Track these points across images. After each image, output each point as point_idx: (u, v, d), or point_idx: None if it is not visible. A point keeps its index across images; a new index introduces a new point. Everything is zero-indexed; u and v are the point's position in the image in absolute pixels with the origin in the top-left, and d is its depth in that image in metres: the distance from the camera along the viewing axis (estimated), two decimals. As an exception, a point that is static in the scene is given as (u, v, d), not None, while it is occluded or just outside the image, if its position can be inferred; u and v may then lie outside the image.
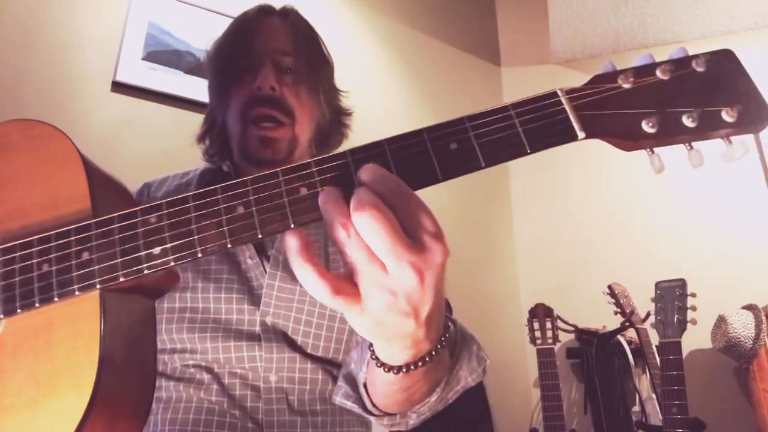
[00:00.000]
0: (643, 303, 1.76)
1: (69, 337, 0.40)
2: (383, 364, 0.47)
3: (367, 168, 0.39)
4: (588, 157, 2.73)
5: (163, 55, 2.10)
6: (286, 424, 0.69)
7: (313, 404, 0.73)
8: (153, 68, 2.05)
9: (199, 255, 0.40)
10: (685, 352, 1.49)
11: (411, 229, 0.38)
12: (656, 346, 1.62)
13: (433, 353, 0.46)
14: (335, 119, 0.94)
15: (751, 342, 1.92)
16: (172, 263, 0.40)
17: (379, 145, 0.42)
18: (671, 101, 0.42)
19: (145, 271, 0.40)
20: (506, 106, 0.43)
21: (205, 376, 0.72)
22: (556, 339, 1.84)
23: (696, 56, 0.44)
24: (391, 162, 0.41)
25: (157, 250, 0.40)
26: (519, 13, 3.18)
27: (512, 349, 2.49)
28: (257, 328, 0.74)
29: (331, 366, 0.76)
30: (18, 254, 0.43)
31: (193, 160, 2.11)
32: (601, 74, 0.45)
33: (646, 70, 0.45)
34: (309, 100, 0.85)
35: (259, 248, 0.80)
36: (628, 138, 0.42)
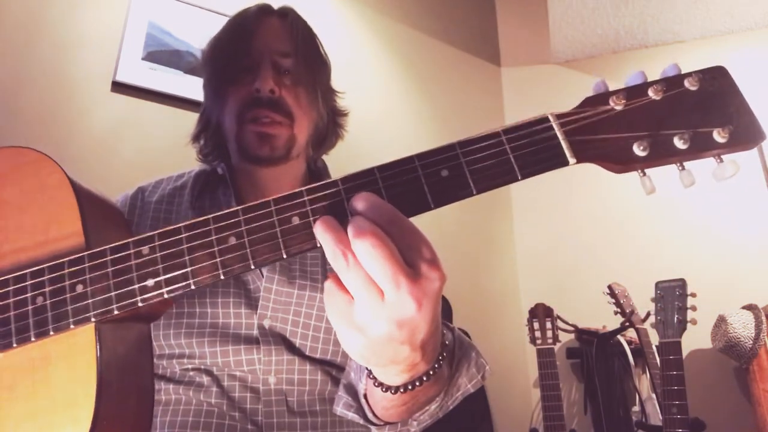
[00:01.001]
0: (643, 303, 1.76)
1: (66, 369, 0.40)
2: (381, 384, 0.48)
3: (362, 196, 0.39)
4: (588, 157, 2.73)
5: (163, 55, 2.10)
6: (285, 426, 0.69)
7: (312, 405, 0.73)
8: (153, 68, 2.05)
9: (192, 287, 0.40)
10: (685, 352, 1.49)
11: (408, 257, 0.38)
12: (656, 346, 1.62)
13: (431, 373, 0.47)
14: (331, 120, 0.94)
15: (751, 342, 1.92)
16: (166, 295, 0.40)
17: (371, 173, 0.41)
18: (663, 123, 0.42)
19: (139, 304, 0.40)
20: (497, 131, 0.43)
21: (205, 379, 0.72)
22: (556, 339, 1.84)
23: (689, 74, 0.43)
24: (383, 190, 0.40)
25: (150, 282, 0.40)
26: (519, 13, 3.18)
27: (512, 349, 2.49)
28: (255, 332, 0.74)
29: (329, 367, 0.76)
30: (12, 288, 0.43)
31: (193, 160, 2.11)
32: (593, 96, 0.44)
33: (638, 91, 0.43)
34: (307, 102, 0.85)
35: None
36: (619, 162, 0.42)
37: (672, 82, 0.43)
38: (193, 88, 2.11)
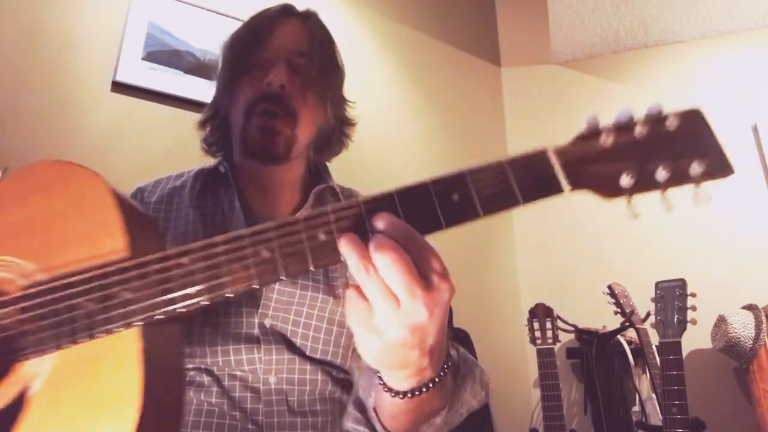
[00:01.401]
0: (643, 303, 1.76)
1: (113, 368, 0.44)
2: (390, 389, 0.51)
3: (382, 216, 0.44)
4: (588, 157, 2.73)
5: (163, 55, 2.10)
6: (286, 425, 0.69)
7: (312, 405, 0.73)
8: (153, 68, 2.05)
9: (228, 294, 0.45)
10: (685, 352, 1.49)
11: (423, 270, 0.43)
12: (656, 346, 1.62)
13: (437, 380, 0.51)
14: (338, 128, 0.94)
15: (751, 342, 1.92)
16: (204, 302, 0.45)
17: (389, 195, 0.46)
18: (647, 157, 0.48)
19: (179, 310, 0.45)
20: (502, 162, 0.47)
21: (205, 378, 0.72)
22: (556, 339, 1.84)
23: (668, 115, 0.49)
24: (400, 211, 0.46)
25: (191, 290, 0.45)
26: (519, 13, 3.18)
27: (512, 349, 2.49)
28: (256, 330, 0.74)
29: (330, 367, 0.76)
30: (65, 293, 0.46)
31: (193, 159, 2.10)
32: (586, 132, 0.50)
33: (625, 128, 0.49)
34: (314, 104, 0.86)
35: None
36: (608, 190, 0.48)
37: (655, 121, 0.49)
38: (193, 88, 2.11)
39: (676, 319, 1.49)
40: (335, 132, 0.94)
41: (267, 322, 0.75)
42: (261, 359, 0.72)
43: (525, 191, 0.46)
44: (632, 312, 1.91)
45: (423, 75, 2.80)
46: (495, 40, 3.19)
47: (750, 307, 2.02)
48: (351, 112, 0.97)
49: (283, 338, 0.75)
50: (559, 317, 1.98)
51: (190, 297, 0.45)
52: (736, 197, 2.40)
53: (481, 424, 2.14)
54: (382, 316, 0.43)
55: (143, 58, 2.04)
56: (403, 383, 0.50)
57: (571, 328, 2.16)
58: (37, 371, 0.45)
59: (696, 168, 0.47)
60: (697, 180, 0.48)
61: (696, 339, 2.12)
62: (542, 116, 2.92)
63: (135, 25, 2.06)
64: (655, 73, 2.74)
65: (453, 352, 0.68)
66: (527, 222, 2.75)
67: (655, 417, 1.87)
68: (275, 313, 0.76)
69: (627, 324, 1.90)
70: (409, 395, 0.50)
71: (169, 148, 2.02)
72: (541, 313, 1.88)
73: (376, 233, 0.43)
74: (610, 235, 2.51)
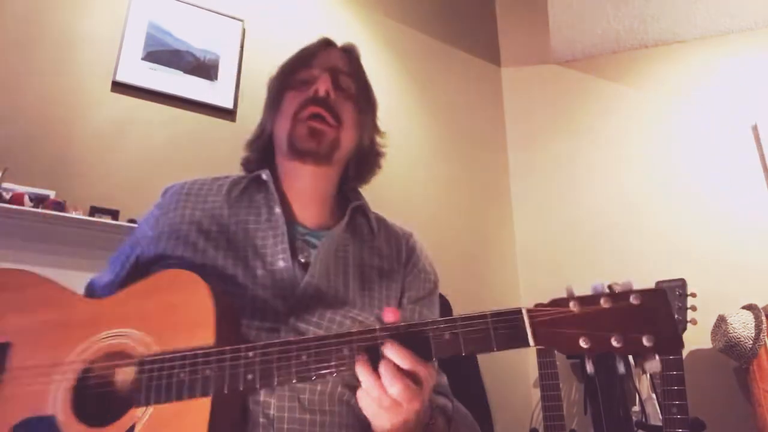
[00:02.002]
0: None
1: (193, 424, 0.61)
2: None
3: (389, 344, 0.59)
4: (589, 157, 2.73)
5: (163, 55, 2.10)
6: (296, 421, 0.72)
7: (322, 405, 0.75)
8: (153, 68, 2.05)
9: (275, 384, 0.61)
10: (685, 352, 1.49)
11: (418, 379, 0.59)
12: (656, 346, 1.62)
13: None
14: (372, 152, 0.99)
15: (751, 342, 1.92)
16: (258, 386, 0.61)
17: (400, 333, 0.61)
18: (604, 327, 0.57)
19: (240, 388, 0.61)
20: (485, 314, 0.60)
21: None
22: (556, 339, 1.84)
23: (634, 292, 0.57)
24: (405, 339, 0.60)
25: (249, 376, 0.61)
26: (519, 13, 3.18)
27: (512, 350, 2.49)
28: (281, 326, 0.77)
29: None
30: (165, 365, 0.63)
31: (193, 159, 2.11)
32: (559, 299, 0.60)
33: (592, 300, 0.58)
34: (355, 117, 0.92)
35: (291, 251, 0.82)
36: (568, 349, 0.57)
37: (620, 297, 0.57)
38: (193, 88, 2.11)
39: (676, 319, 1.49)
40: (371, 155, 0.99)
41: (291, 321, 0.76)
42: None
43: (499, 341, 0.59)
44: (632, 312, 1.90)
45: (423, 75, 2.80)
46: (495, 40, 3.19)
47: (750, 307, 2.02)
48: (383, 142, 1.03)
49: (302, 335, 0.75)
50: (559, 317, 1.98)
51: (249, 382, 0.61)
52: (736, 197, 2.41)
53: (480, 424, 2.14)
54: (387, 410, 0.59)
55: (143, 58, 2.04)
56: None
57: (571, 328, 2.16)
58: (142, 415, 0.63)
59: (646, 342, 0.55)
60: (648, 351, 0.55)
61: (696, 339, 2.12)
62: (542, 116, 2.92)
63: (135, 25, 2.06)
64: (655, 73, 2.74)
65: (448, 404, 0.80)
66: (527, 222, 2.75)
67: (655, 417, 1.87)
68: (301, 314, 0.77)
69: (627, 324, 1.90)
70: None
71: (169, 147, 2.02)
72: (541, 313, 1.88)
73: (385, 358, 0.59)
74: (610, 235, 2.51)
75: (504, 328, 0.59)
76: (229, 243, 0.81)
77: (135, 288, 0.70)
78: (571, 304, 0.59)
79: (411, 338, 0.60)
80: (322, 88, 0.87)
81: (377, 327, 0.62)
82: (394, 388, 0.58)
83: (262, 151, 0.96)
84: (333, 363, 0.60)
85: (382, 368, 0.58)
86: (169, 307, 0.67)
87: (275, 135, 0.92)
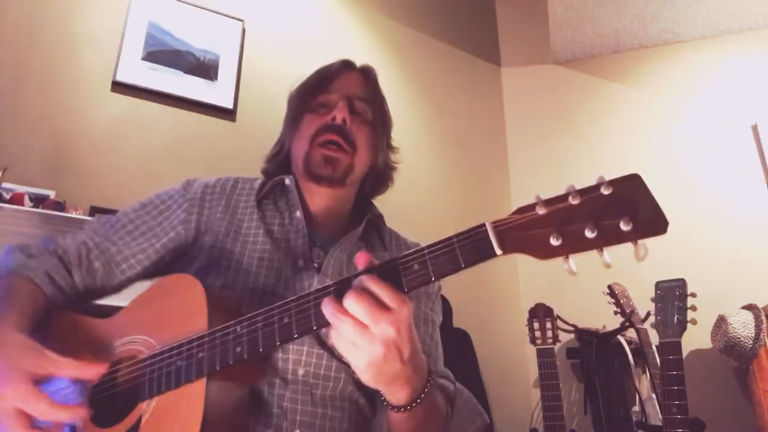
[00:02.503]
0: (643, 303, 1.76)
1: (190, 408, 0.64)
2: (393, 407, 0.65)
3: (360, 277, 0.58)
4: (589, 157, 2.73)
5: (163, 55, 2.10)
6: (307, 414, 0.76)
7: (333, 400, 0.79)
8: (153, 68, 2.05)
9: (261, 351, 0.63)
10: (685, 352, 1.48)
11: (383, 302, 0.56)
12: (656, 346, 1.62)
13: (426, 389, 0.65)
14: (386, 169, 1.05)
15: (751, 342, 1.92)
16: (245, 357, 0.63)
17: (371, 268, 0.60)
18: (572, 220, 0.53)
19: (230, 362, 0.63)
20: (451, 237, 0.58)
21: None
22: (556, 339, 1.84)
23: (605, 182, 0.53)
24: (376, 274, 0.59)
25: (238, 349, 0.63)
26: (519, 13, 3.18)
27: (512, 349, 2.49)
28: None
29: (352, 369, 0.80)
30: (165, 357, 0.68)
31: (193, 159, 2.11)
32: (524, 206, 0.57)
33: (559, 199, 0.55)
34: (370, 142, 0.96)
35: (306, 256, 0.88)
36: (539, 250, 0.54)
37: (589, 189, 0.53)
38: (193, 88, 2.11)
39: (676, 319, 1.48)
40: (385, 173, 1.05)
41: None
42: (293, 350, 0.78)
43: (466, 257, 0.56)
44: (632, 312, 1.91)
45: (423, 75, 2.80)
46: (495, 40, 3.19)
47: (750, 307, 2.02)
48: (396, 158, 1.08)
49: (317, 335, 0.80)
50: (559, 317, 1.98)
51: (238, 354, 0.64)
52: (736, 197, 2.41)
53: (481, 424, 2.13)
54: (359, 341, 0.56)
55: (143, 58, 2.04)
56: (400, 395, 0.63)
57: (571, 328, 2.16)
58: (148, 407, 0.67)
59: (623, 226, 0.50)
60: (629, 237, 0.51)
61: (696, 339, 2.12)
62: (542, 116, 2.92)
63: (135, 25, 2.06)
64: (655, 73, 2.74)
65: (450, 385, 0.81)
66: (527, 222, 2.75)
67: (655, 417, 1.87)
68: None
69: (627, 324, 1.90)
70: (408, 408, 0.64)
71: (169, 147, 2.02)
72: (541, 313, 1.87)
73: (351, 288, 0.58)
74: (610, 235, 2.51)
75: (469, 243, 0.57)
76: (255, 242, 0.87)
77: (141, 297, 0.76)
78: (537, 207, 0.55)
79: (381, 275, 0.59)
80: (339, 116, 0.92)
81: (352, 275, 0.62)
82: (357, 307, 0.55)
83: (281, 165, 1.02)
84: (312, 318, 0.60)
85: (346, 294, 0.56)
86: (169, 308, 0.72)
87: (293, 153, 0.98)
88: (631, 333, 1.99)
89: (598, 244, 0.53)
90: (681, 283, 1.53)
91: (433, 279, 0.57)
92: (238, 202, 0.94)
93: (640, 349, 1.90)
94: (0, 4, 1.87)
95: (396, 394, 0.63)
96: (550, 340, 1.83)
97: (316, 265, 0.88)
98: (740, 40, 2.65)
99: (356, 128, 0.93)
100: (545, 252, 0.54)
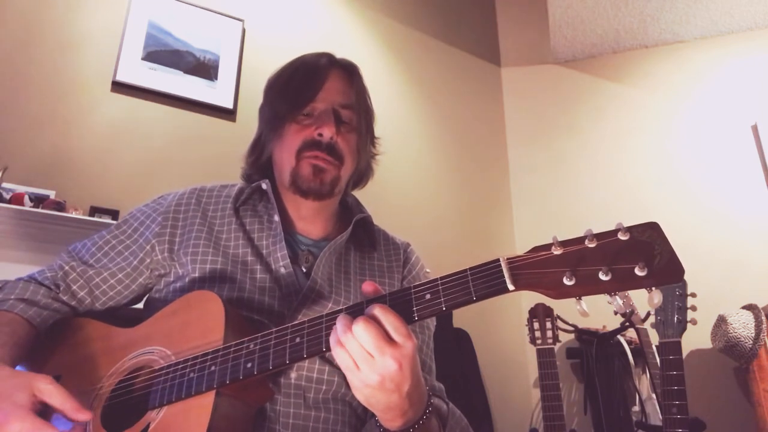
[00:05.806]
0: (643, 303, 1.75)
1: (196, 419, 0.66)
2: (384, 429, 0.65)
3: (375, 305, 0.58)
4: (589, 157, 2.73)
5: (163, 55, 2.10)
6: (300, 417, 0.77)
7: (326, 403, 0.79)
8: (153, 68, 2.05)
9: (270, 368, 0.64)
10: (685, 352, 1.48)
11: (391, 335, 0.57)
12: (656, 346, 1.62)
13: (420, 422, 0.64)
14: (368, 166, 1.04)
15: (751, 342, 1.92)
16: (256, 373, 0.64)
17: (384, 296, 0.62)
18: (588, 262, 0.53)
19: (240, 377, 0.65)
20: (465, 270, 0.59)
21: None
22: (556, 339, 1.84)
23: (623, 228, 0.53)
24: (389, 303, 0.61)
25: (249, 365, 0.65)
26: (519, 13, 3.18)
27: (512, 349, 2.49)
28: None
29: None
30: (179, 368, 0.70)
31: (193, 159, 2.11)
32: (540, 246, 0.57)
33: (576, 241, 0.55)
34: (356, 149, 0.95)
35: (293, 258, 0.87)
36: (552, 289, 0.54)
37: (606, 234, 0.54)
38: (193, 88, 2.11)
39: (676, 319, 1.48)
40: (367, 167, 1.04)
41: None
42: None
43: (478, 291, 0.57)
44: (632, 312, 1.90)
45: (423, 75, 2.80)
46: (495, 40, 3.19)
47: (750, 307, 2.02)
48: (377, 150, 1.06)
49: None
50: (559, 317, 1.97)
51: (248, 370, 0.65)
52: (736, 197, 2.41)
53: (480, 424, 2.14)
54: (361, 365, 0.57)
55: (143, 58, 2.05)
56: (393, 423, 0.63)
57: (571, 328, 2.15)
58: (156, 416, 0.69)
59: (638, 271, 0.50)
60: (644, 283, 0.50)
61: (696, 339, 2.12)
62: (542, 116, 2.92)
63: (135, 25, 2.06)
64: (655, 73, 2.74)
65: (443, 405, 0.81)
66: (527, 222, 2.75)
67: (655, 417, 1.87)
68: (309, 312, 0.82)
69: (627, 324, 1.90)
70: None
71: (169, 147, 2.02)
72: (541, 313, 1.87)
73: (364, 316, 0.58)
74: (610, 235, 2.51)
75: (482, 277, 0.57)
76: (236, 250, 0.86)
77: (165, 310, 0.79)
78: (553, 247, 0.55)
79: (394, 303, 0.60)
80: (326, 134, 0.89)
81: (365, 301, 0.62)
82: (365, 335, 0.56)
83: (262, 169, 1.00)
84: (323, 340, 0.61)
85: (355, 321, 0.57)
86: (188, 321, 0.75)
87: (276, 161, 0.96)
88: (631, 333, 1.99)
89: (612, 287, 0.52)
90: (681, 283, 1.53)
91: (444, 309, 0.58)
92: (215, 210, 0.93)
93: (640, 349, 1.90)
94: (1, 3, 1.87)
95: (389, 421, 0.64)
96: (550, 340, 1.82)
97: (304, 269, 0.87)
98: (740, 40, 2.65)
99: (342, 139, 0.91)
100: (558, 291, 0.54)
